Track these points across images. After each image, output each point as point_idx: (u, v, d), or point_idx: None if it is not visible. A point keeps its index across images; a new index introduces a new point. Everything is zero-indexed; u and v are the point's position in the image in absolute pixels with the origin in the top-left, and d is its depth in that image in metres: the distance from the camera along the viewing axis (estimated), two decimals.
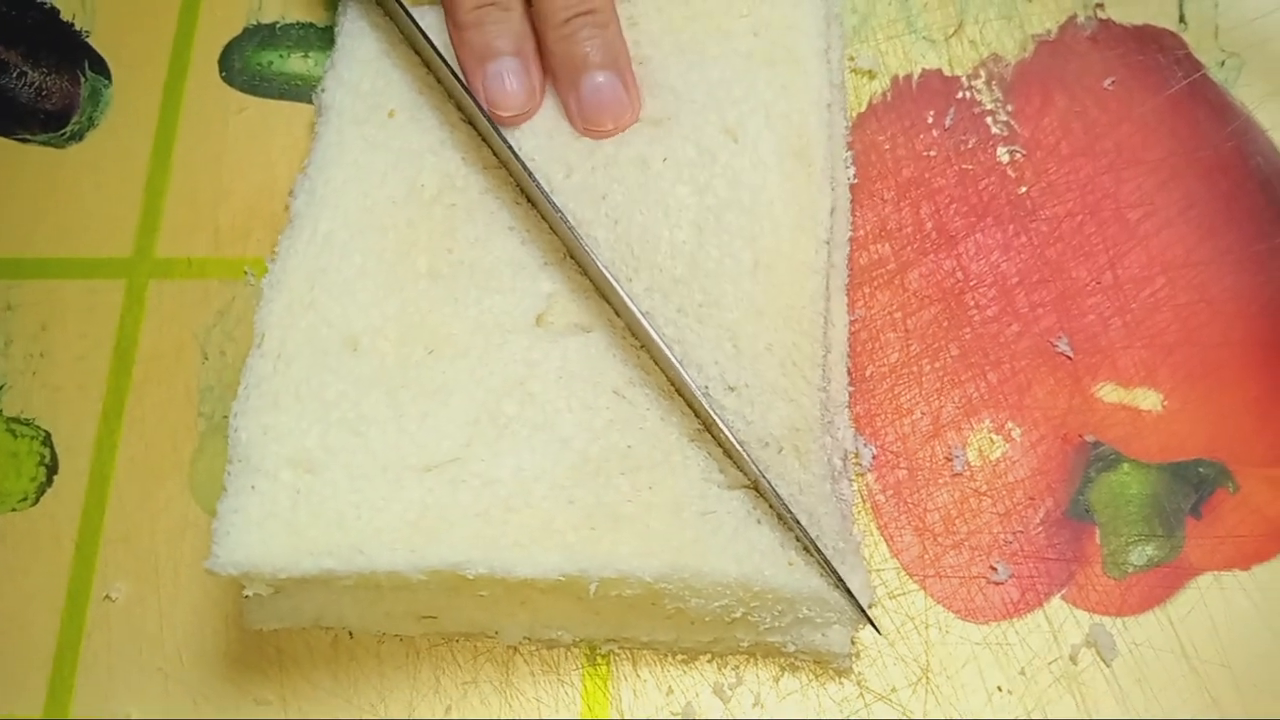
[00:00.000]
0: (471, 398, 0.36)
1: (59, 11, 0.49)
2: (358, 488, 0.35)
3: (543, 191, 0.38)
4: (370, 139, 0.41)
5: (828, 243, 0.39)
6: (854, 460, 0.40)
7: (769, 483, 0.35)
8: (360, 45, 0.43)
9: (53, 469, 0.43)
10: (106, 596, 0.41)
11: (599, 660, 0.39)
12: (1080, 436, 0.40)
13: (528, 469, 0.35)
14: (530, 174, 0.39)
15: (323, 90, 0.43)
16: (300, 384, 0.37)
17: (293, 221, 0.40)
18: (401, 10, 0.41)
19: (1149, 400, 0.41)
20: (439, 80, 0.42)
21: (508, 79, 0.40)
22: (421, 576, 0.34)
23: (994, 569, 0.39)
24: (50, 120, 0.47)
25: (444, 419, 0.36)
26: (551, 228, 0.40)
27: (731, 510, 0.35)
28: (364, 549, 0.34)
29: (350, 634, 0.39)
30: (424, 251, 0.39)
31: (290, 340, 0.37)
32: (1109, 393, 0.41)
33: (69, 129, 0.47)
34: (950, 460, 0.40)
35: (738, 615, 0.35)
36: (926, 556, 0.39)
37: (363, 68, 0.42)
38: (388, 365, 0.37)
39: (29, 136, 0.47)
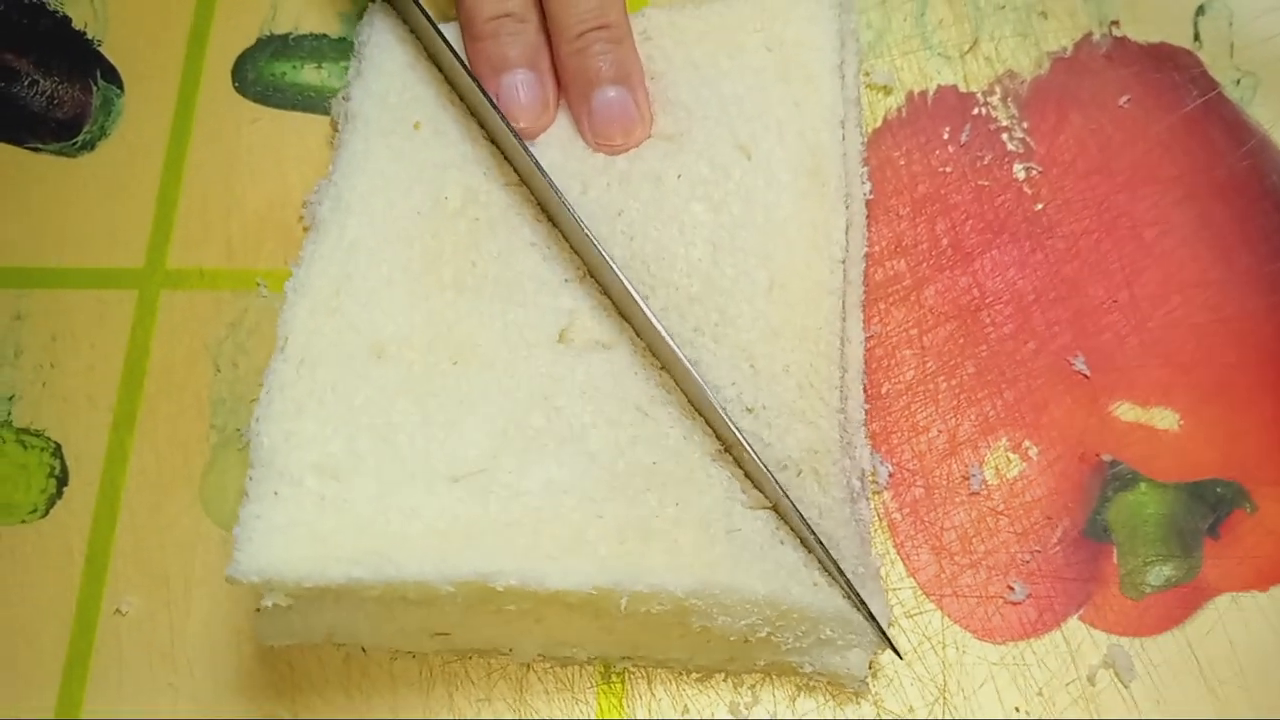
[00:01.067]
0: (498, 409, 0.36)
1: (71, 20, 0.49)
2: (385, 495, 0.34)
3: (567, 207, 0.38)
4: (396, 150, 0.41)
5: (843, 262, 0.38)
6: (871, 479, 0.40)
7: (791, 503, 0.35)
8: (387, 57, 0.43)
9: (63, 481, 0.42)
10: (117, 610, 0.41)
11: (614, 678, 0.39)
12: (1097, 455, 0.40)
13: (557, 481, 0.35)
14: (555, 189, 0.39)
15: (347, 99, 0.43)
16: (325, 390, 0.36)
17: (317, 227, 0.40)
18: (427, 23, 0.41)
19: (1166, 420, 0.40)
20: (461, 95, 0.42)
21: (522, 91, 0.41)
22: (450, 588, 0.33)
23: (1011, 588, 0.39)
24: (62, 129, 0.47)
25: (471, 429, 0.36)
26: (572, 244, 0.40)
27: (756, 530, 0.35)
28: (393, 557, 0.33)
29: (364, 650, 0.39)
30: (449, 263, 0.39)
31: (314, 346, 0.37)
32: (1126, 412, 0.41)
33: (80, 138, 0.47)
34: (967, 479, 0.40)
35: (762, 634, 0.35)
36: (943, 576, 0.39)
37: (389, 80, 0.42)
38: (414, 374, 0.37)
39: (40, 145, 0.47)
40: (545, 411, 0.36)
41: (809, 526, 0.35)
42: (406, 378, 0.37)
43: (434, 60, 0.43)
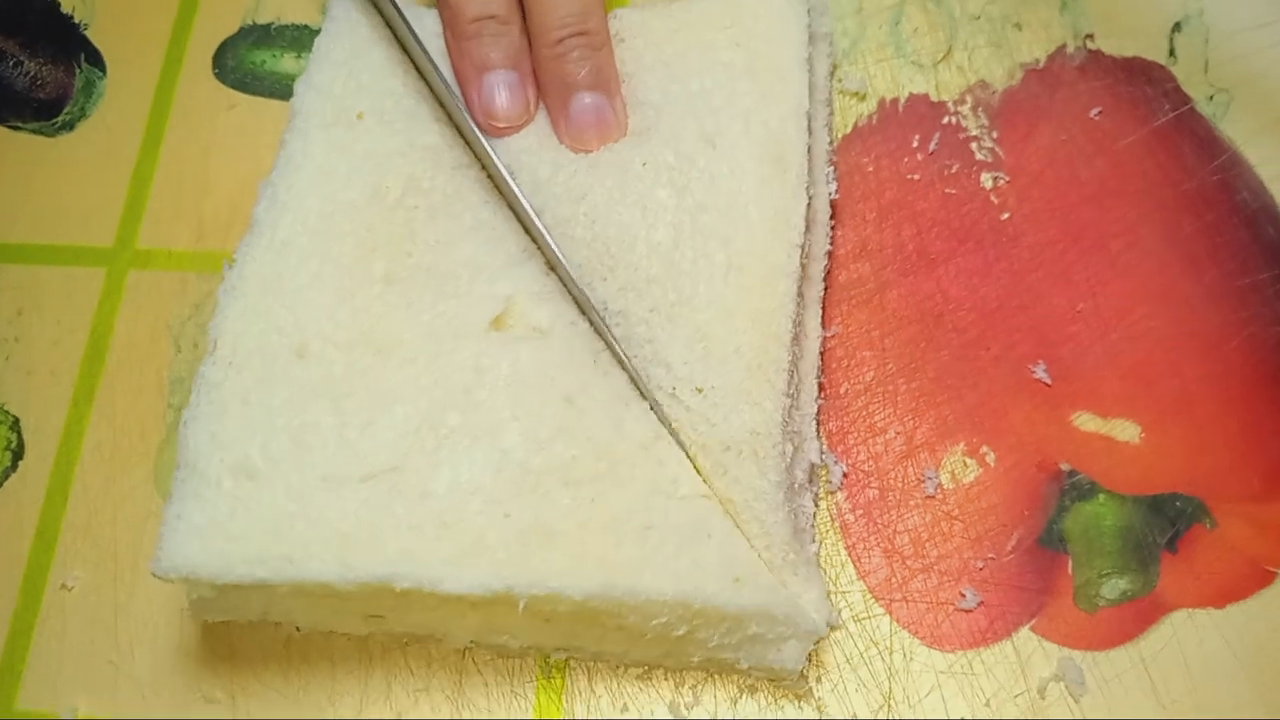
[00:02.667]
0: (415, 406, 0.36)
1: (59, 4, 0.50)
2: (295, 497, 0.35)
3: (513, 186, 0.38)
4: (336, 142, 0.41)
5: (800, 247, 0.38)
6: (824, 478, 0.39)
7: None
8: (335, 46, 0.43)
9: (18, 454, 0.42)
10: (63, 585, 0.40)
11: (554, 673, 0.38)
12: (1056, 464, 0.40)
13: (464, 482, 0.35)
14: (502, 169, 0.39)
15: (294, 95, 0.43)
16: (248, 392, 0.37)
17: (252, 228, 0.39)
18: (394, 10, 0.42)
19: (1127, 431, 0.40)
20: (423, 77, 0.42)
21: (503, 91, 0.41)
22: (350, 588, 0.34)
23: (963, 595, 0.38)
24: (43, 109, 0.48)
25: (385, 428, 0.36)
26: (523, 225, 0.39)
27: (678, 524, 0.34)
28: (294, 559, 0.34)
29: (298, 630, 0.39)
30: (382, 256, 0.39)
31: (241, 347, 0.37)
32: (1086, 422, 0.40)
33: (60, 118, 0.48)
34: (923, 482, 0.39)
35: (681, 632, 0.34)
36: (894, 579, 0.38)
37: (335, 69, 0.42)
38: (334, 373, 0.37)
39: (20, 124, 0.48)
40: (463, 407, 0.36)
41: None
42: (326, 377, 0.37)
43: (397, 41, 0.43)
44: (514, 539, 0.34)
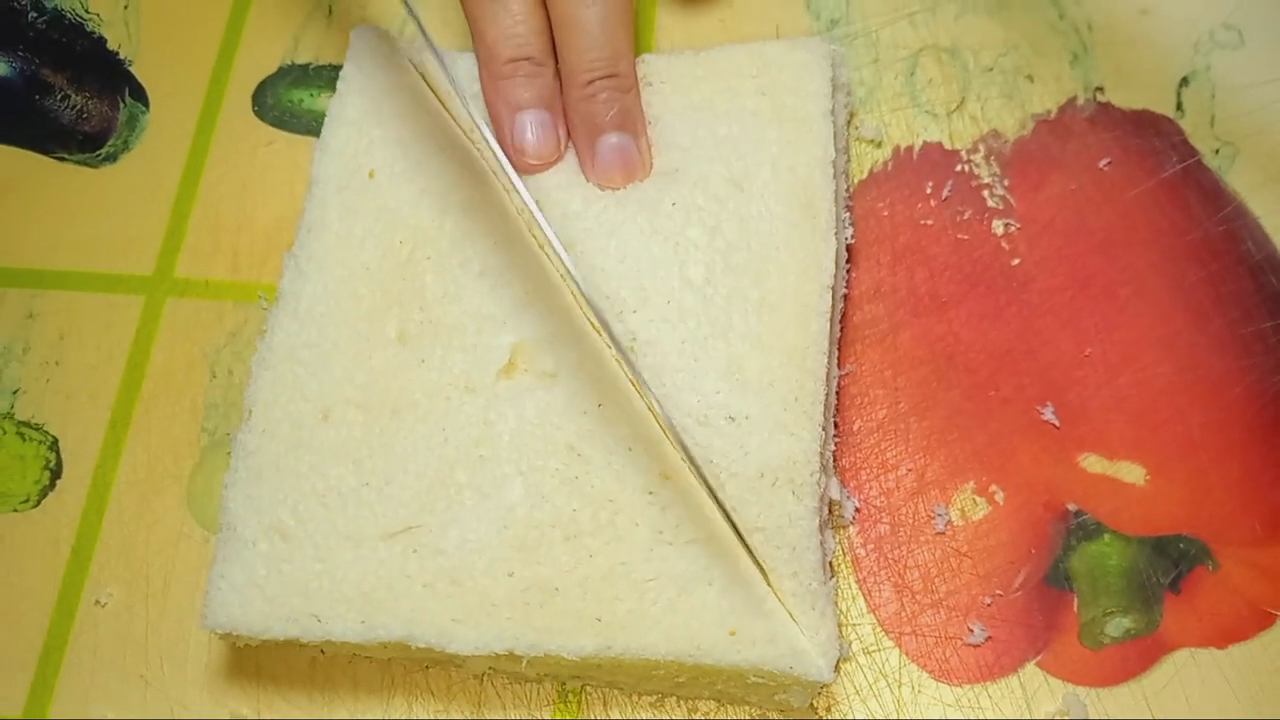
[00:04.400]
0: (427, 464, 0.38)
1: (106, 41, 0.52)
2: (322, 557, 0.37)
3: (538, 215, 0.39)
4: (350, 205, 0.42)
5: (831, 289, 0.40)
6: (837, 513, 0.41)
7: (732, 523, 0.35)
8: (348, 105, 0.44)
9: (56, 473, 0.44)
10: (96, 601, 0.42)
11: (570, 698, 0.39)
12: (1063, 504, 0.41)
13: (472, 540, 0.36)
14: (526, 196, 0.39)
15: (313, 161, 0.44)
16: (279, 457, 0.39)
17: (278, 300, 0.41)
18: (426, 43, 0.42)
19: (1133, 474, 0.41)
20: (452, 117, 0.43)
21: (535, 130, 0.42)
22: (375, 645, 0.36)
23: (971, 630, 0.39)
24: (87, 141, 0.50)
25: (401, 487, 0.38)
26: (547, 256, 0.40)
27: (677, 574, 0.35)
28: (321, 618, 0.36)
29: (322, 652, 0.40)
30: (395, 316, 0.40)
31: (272, 415, 0.39)
32: (1093, 464, 0.41)
33: (104, 151, 0.50)
34: (932, 519, 0.41)
35: (681, 680, 0.35)
36: (904, 614, 0.40)
37: (348, 129, 0.44)
38: (355, 434, 0.39)
39: (66, 155, 0.50)
40: (470, 464, 0.37)
41: (741, 536, 0.35)
42: (347, 439, 0.38)
43: (426, 90, 0.44)
44: (518, 597, 0.35)
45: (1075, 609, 0.39)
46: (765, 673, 0.35)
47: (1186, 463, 0.41)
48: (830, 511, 0.40)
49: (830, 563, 0.40)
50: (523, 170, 0.42)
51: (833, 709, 0.38)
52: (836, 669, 0.35)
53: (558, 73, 0.43)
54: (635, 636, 0.35)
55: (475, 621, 0.35)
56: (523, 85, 0.43)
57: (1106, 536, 0.40)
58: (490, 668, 0.39)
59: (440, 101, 0.44)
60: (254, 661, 0.40)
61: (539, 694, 0.39)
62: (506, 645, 0.35)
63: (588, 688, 0.39)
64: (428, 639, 0.35)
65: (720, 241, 0.40)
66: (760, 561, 0.35)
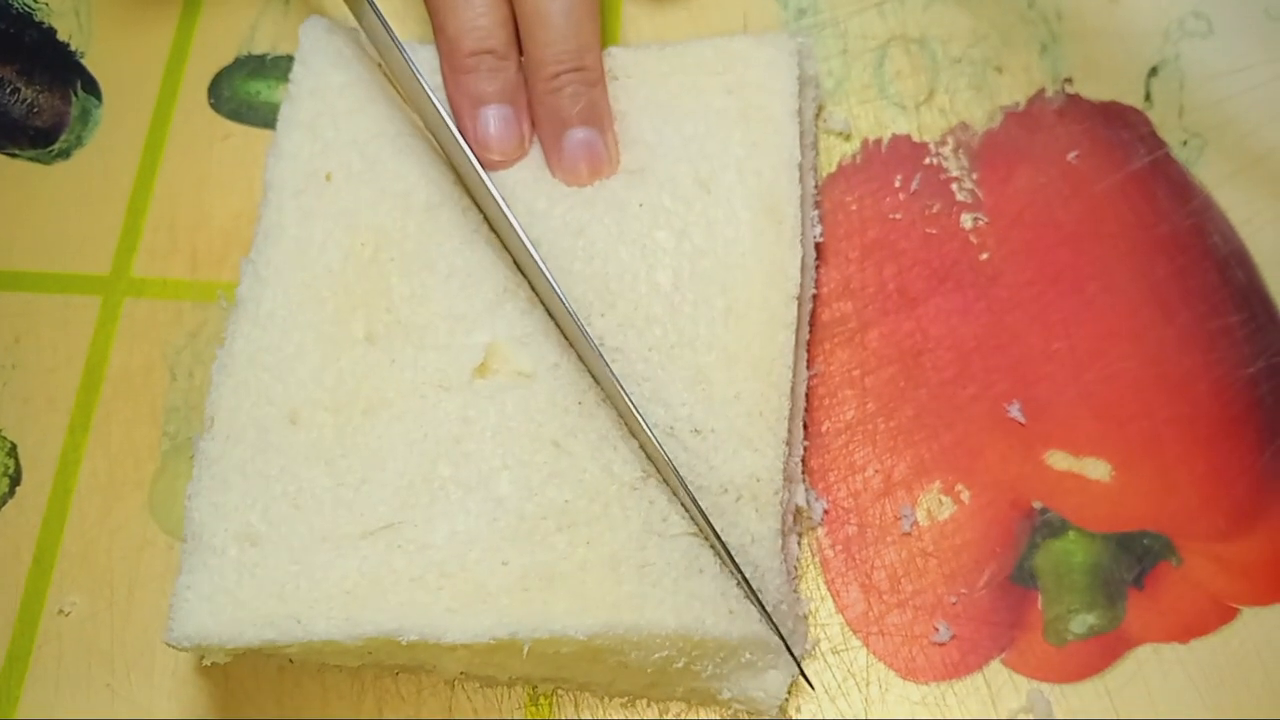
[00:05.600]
0: (406, 461, 0.37)
1: (56, 31, 0.50)
2: (297, 559, 0.36)
3: (508, 215, 0.39)
4: (307, 209, 0.41)
5: (797, 298, 0.39)
6: (806, 515, 0.41)
7: (711, 527, 0.35)
8: (299, 109, 0.43)
9: (16, 480, 0.43)
10: (60, 610, 0.41)
11: (541, 701, 0.39)
12: (1028, 502, 0.41)
13: (461, 532, 0.36)
14: (495, 195, 0.39)
15: (266, 167, 0.43)
16: (245, 462, 0.38)
17: (237, 306, 0.40)
18: (386, 35, 0.41)
19: (1098, 470, 0.41)
20: (417, 109, 0.42)
21: (498, 124, 0.42)
22: (358, 644, 0.35)
23: (936, 629, 0.39)
24: (39, 137, 0.48)
25: (379, 484, 0.37)
26: (514, 258, 0.40)
27: (672, 561, 0.36)
28: (300, 619, 0.35)
29: (291, 661, 0.40)
30: (361, 317, 0.39)
31: (236, 421, 0.38)
32: (1059, 460, 0.41)
33: (57, 146, 0.48)
34: (899, 519, 0.41)
35: (679, 665, 0.35)
36: (871, 614, 0.40)
37: (301, 133, 0.43)
38: (326, 436, 0.38)
39: (17, 151, 0.48)
40: (454, 459, 0.37)
41: (728, 550, 0.35)
42: (318, 440, 0.38)
43: (386, 82, 0.43)
44: (515, 585, 0.35)
45: (1040, 606, 0.40)
46: (760, 645, 0.35)
47: (1152, 458, 0.41)
48: (799, 514, 0.40)
49: (798, 564, 0.40)
50: (486, 166, 0.42)
51: (802, 708, 0.39)
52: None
53: (520, 66, 0.42)
54: (643, 614, 0.34)
55: (472, 610, 0.34)
56: (485, 79, 0.42)
57: (1071, 534, 0.40)
58: (463, 672, 0.39)
59: (402, 96, 0.43)
60: (221, 670, 0.40)
61: (510, 698, 0.39)
62: (508, 630, 0.34)
63: (559, 690, 0.39)
64: (420, 631, 0.34)
65: (688, 245, 0.40)
66: (740, 571, 0.35)
